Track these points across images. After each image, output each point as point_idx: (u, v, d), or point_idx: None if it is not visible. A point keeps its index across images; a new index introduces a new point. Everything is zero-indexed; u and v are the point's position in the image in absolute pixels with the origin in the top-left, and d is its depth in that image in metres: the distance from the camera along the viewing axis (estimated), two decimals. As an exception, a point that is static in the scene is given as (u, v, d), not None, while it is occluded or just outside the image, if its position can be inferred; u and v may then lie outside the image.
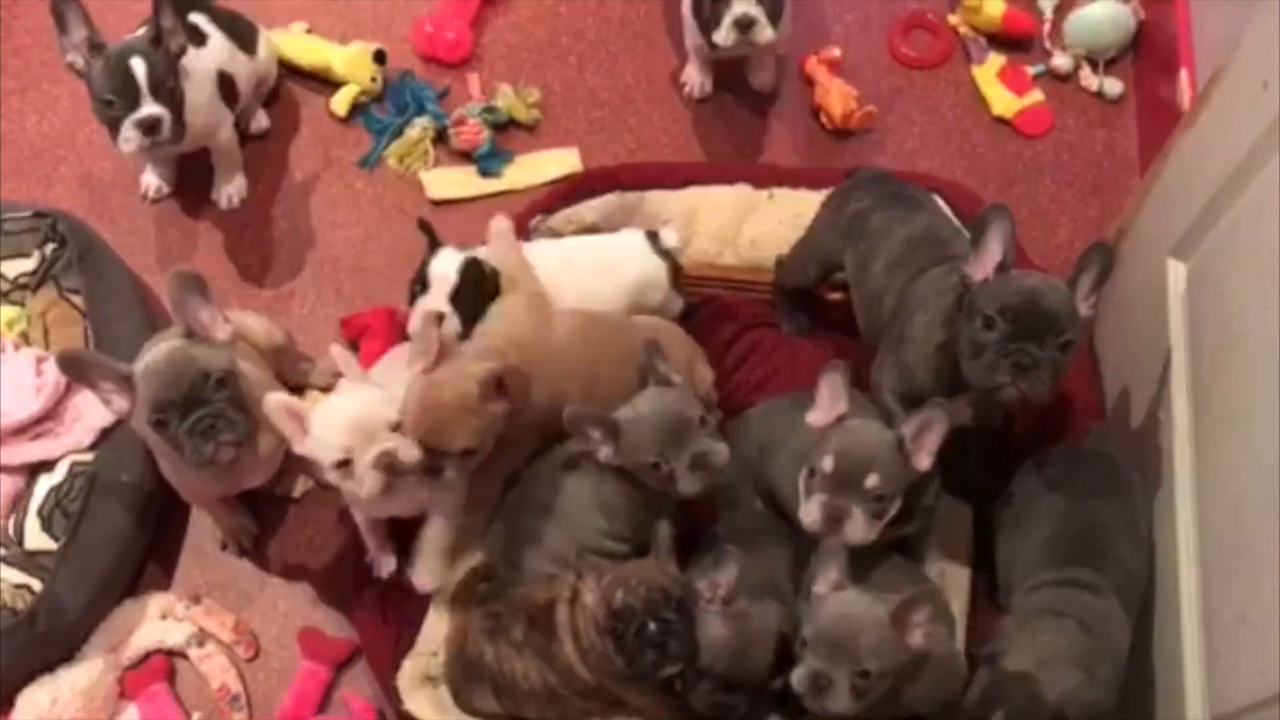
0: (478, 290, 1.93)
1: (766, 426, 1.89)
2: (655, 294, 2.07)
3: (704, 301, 2.19)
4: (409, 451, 1.67)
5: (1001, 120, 2.46)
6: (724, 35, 2.09)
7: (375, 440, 1.66)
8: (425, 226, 2.01)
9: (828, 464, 1.61)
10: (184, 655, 2.01)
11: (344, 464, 1.67)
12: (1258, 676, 1.43)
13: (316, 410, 1.71)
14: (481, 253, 1.99)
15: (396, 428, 1.68)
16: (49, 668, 1.94)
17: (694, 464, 1.69)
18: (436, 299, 1.90)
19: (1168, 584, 1.68)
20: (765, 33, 2.09)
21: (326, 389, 2.18)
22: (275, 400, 1.71)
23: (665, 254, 2.07)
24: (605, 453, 1.73)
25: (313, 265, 2.38)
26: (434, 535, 1.85)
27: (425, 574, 1.85)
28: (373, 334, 2.20)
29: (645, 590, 1.61)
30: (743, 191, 2.22)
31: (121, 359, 1.76)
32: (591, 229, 2.17)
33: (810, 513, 1.62)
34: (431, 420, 1.68)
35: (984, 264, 1.66)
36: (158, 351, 1.72)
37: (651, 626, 1.60)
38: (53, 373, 2.02)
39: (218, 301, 1.78)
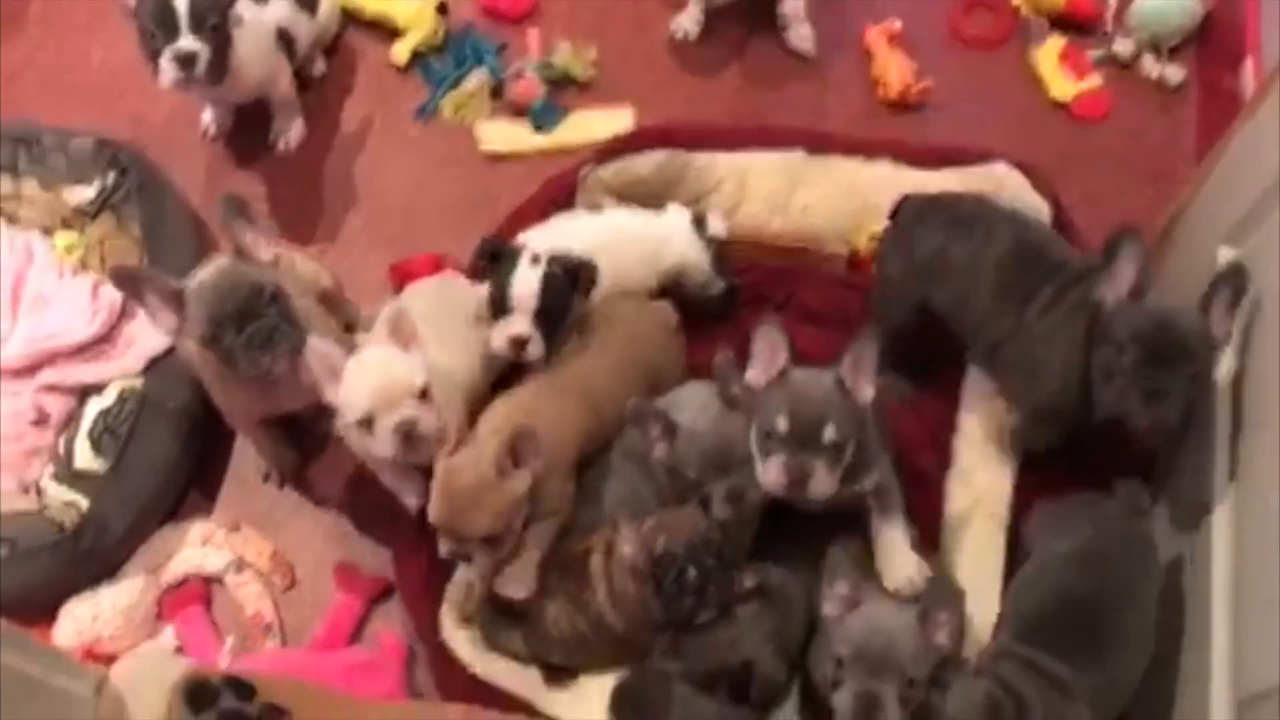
0: (564, 301, 1.87)
1: None
2: (695, 275, 2.08)
3: (744, 273, 2.18)
4: (429, 422, 1.69)
5: (1058, 104, 2.44)
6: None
7: (399, 406, 1.68)
8: (489, 247, 1.90)
9: (783, 423, 1.59)
10: (221, 581, 2.06)
11: (365, 423, 1.69)
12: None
13: (350, 363, 1.72)
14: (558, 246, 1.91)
15: (423, 394, 1.70)
16: (92, 584, 1.99)
17: (730, 495, 1.69)
18: (520, 323, 1.83)
19: (1201, 567, 1.68)
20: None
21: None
22: (314, 345, 1.73)
23: (710, 240, 2.08)
24: (660, 449, 1.73)
25: (365, 211, 2.41)
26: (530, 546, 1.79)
27: (516, 585, 1.76)
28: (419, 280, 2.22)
29: (687, 536, 1.63)
30: (796, 157, 2.21)
31: None
32: (641, 184, 2.17)
33: (772, 473, 1.60)
34: (451, 508, 1.67)
35: (1117, 288, 1.66)
36: (208, 269, 1.77)
37: (692, 572, 1.62)
38: (108, 298, 2.08)
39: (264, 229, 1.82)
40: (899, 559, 1.71)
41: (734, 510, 1.70)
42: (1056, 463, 1.92)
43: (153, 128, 2.48)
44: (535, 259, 1.85)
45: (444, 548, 1.69)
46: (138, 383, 2.06)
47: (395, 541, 1.97)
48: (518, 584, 1.75)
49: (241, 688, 1.02)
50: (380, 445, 1.69)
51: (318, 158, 2.47)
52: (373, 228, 2.39)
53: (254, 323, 1.73)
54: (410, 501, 1.91)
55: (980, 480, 1.95)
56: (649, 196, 2.17)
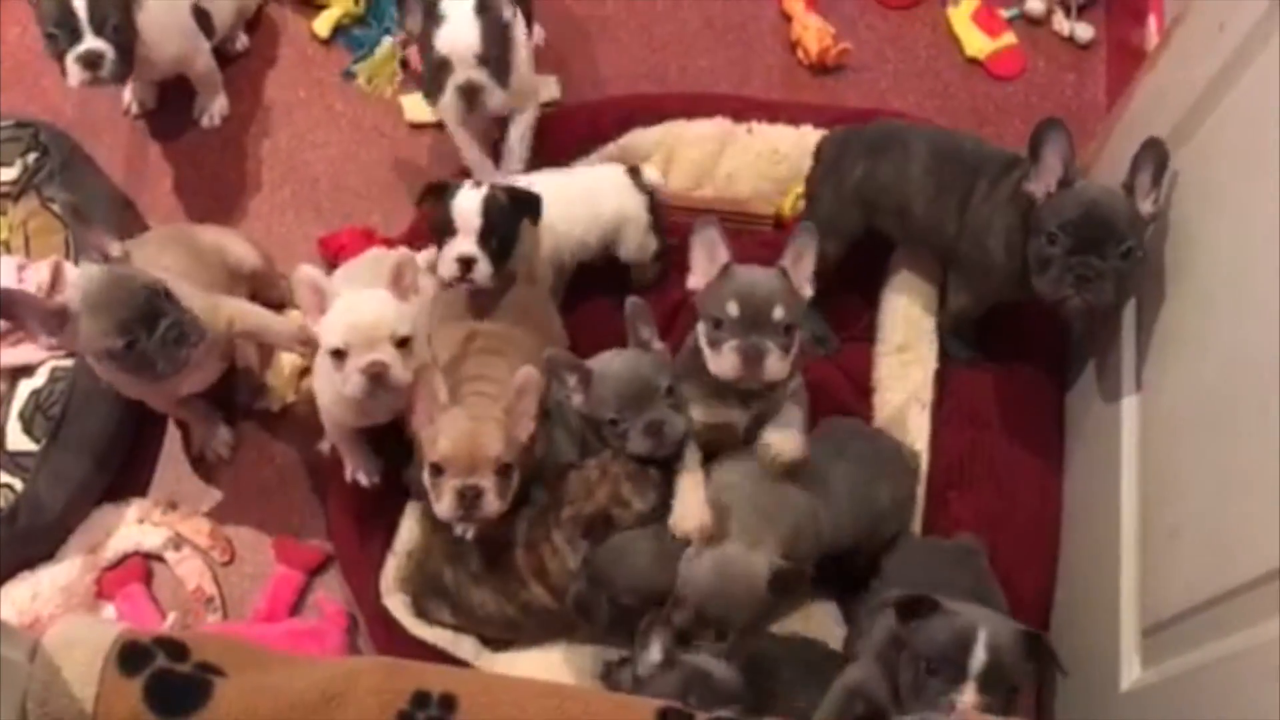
0: (507, 225, 1.90)
1: None
2: (633, 231, 2.10)
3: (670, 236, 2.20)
4: (400, 372, 1.68)
5: (974, 61, 2.50)
6: (449, 104, 1.97)
7: (376, 347, 1.67)
8: (431, 186, 1.95)
9: (733, 308, 1.63)
10: (160, 559, 2.07)
11: (339, 354, 1.68)
12: (1185, 589, 1.51)
13: (339, 298, 1.71)
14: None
15: (403, 344, 1.69)
16: (29, 565, 2.00)
17: (648, 429, 1.72)
18: (465, 243, 1.87)
19: (1109, 502, 1.75)
20: (495, 98, 1.97)
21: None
22: (305, 271, 1.71)
23: (646, 191, 2.11)
24: (577, 399, 1.77)
25: (292, 184, 2.42)
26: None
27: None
28: (349, 253, 2.22)
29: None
30: (721, 125, 2.25)
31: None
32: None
33: (726, 360, 1.65)
34: (464, 431, 1.68)
35: (1045, 179, 1.72)
36: (90, 280, 1.72)
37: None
38: (35, 278, 2.06)
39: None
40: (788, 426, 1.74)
41: (654, 443, 1.73)
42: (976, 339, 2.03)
43: (74, 106, 2.46)
44: (477, 184, 1.89)
45: (451, 492, 1.67)
46: (69, 362, 2.05)
47: (331, 511, 1.99)
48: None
49: (174, 647, 1.05)
50: (348, 383, 1.68)
51: (243, 132, 2.46)
52: (300, 201, 2.40)
53: (161, 321, 1.70)
54: (363, 476, 1.94)
55: (914, 374, 2.03)
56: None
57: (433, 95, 1.99)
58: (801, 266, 1.69)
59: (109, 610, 2.01)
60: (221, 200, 2.40)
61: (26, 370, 2.06)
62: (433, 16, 1.93)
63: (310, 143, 2.45)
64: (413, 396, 1.73)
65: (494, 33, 1.93)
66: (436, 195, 1.91)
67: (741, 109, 2.29)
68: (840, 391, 2.06)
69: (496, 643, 1.86)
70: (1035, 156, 1.73)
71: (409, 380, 1.71)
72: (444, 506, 1.68)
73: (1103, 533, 1.77)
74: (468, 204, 1.86)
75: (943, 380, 2.03)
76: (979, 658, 1.41)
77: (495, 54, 1.94)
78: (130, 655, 1.03)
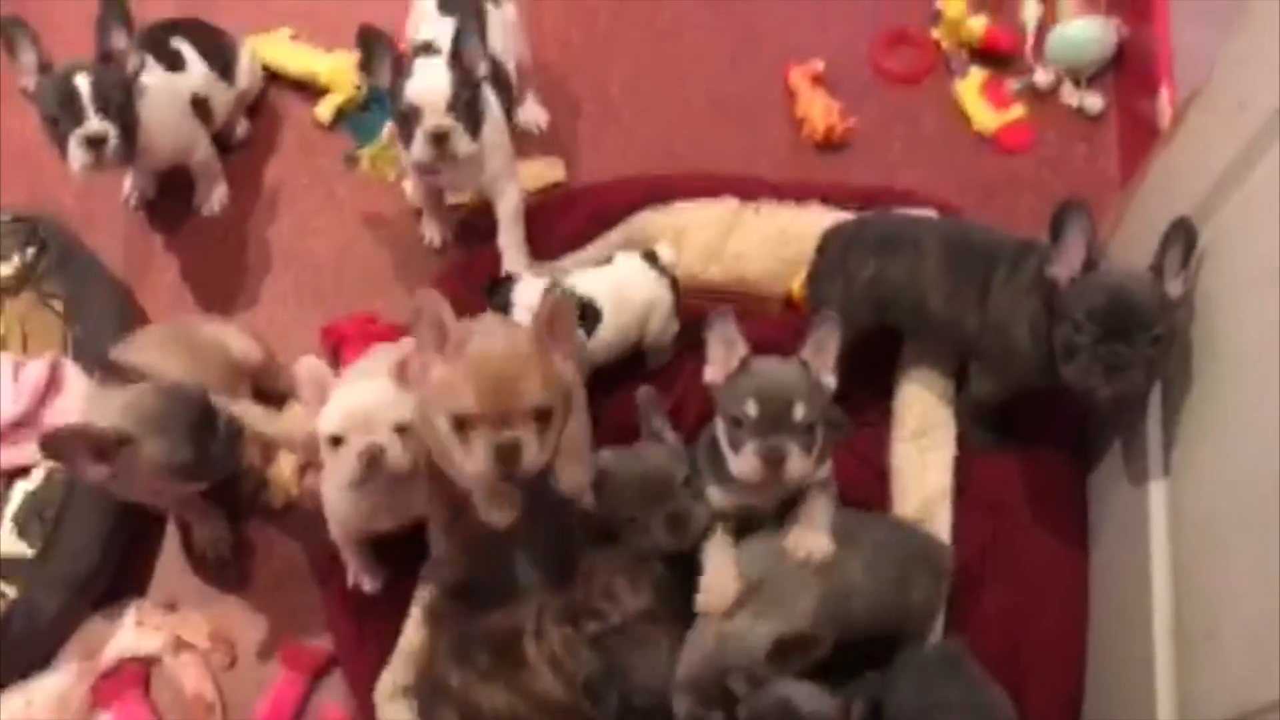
0: (472, 91, 1.94)
1: None
2: (659, 317, 2.06)
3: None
4: (399, 458, 1.64)
5: (983, 135, 2.46)
6: (419, 150, 1.94)
7: (371, 431, 1.64)
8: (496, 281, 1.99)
9: (751, 408, 1.58)
10: (159, 663, 2.00)
11: (335, 440, 1.64)
12: (1226, 696, 1.44)
13: (338, 392, 1.68)
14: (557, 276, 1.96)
15: (402, 431, 1.65)
16: (23, 673, 1.94)
17: (671, 522, 1.68)
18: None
19: (1140, 601, 1.68)
20: (464, 144, 1.94)
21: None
22: (308, 364, 1.68)
23: (664, 271, 2.07)
24: (587, 501, 1.72)
25: (294, 272, 2.38)
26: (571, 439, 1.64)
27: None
28: (352, 342, 2.20)
29: None
30: (728, 205, 2.22)
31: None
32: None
33: (746, 462, 1.59)
34: (497, 380, 1.46)
35: (1068, 263, 1.68)
36: (141, 399, 1.70)
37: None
38: (31, 378, 2.02)
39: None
40: (817, 525, 1.69)
41: (678, 536, 1.69)
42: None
43: (72, 199, 2.43)
44: (538, 274, 1.92)
45: (484, 448, 1.47)
46: (64, 463, 2.00)
47: (336, 618, 1.93)
48: (571, 478, 1.66)
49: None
50: (343, 467, 1.63)
51: (243, 220, 2.44)
52: (302, 288, 2.36)
53: (219, 421, 1.73)
54: (366, 584, 1.89)
55: (932, 461, 1.97)
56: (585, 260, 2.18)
57: (404, 142, 1.97)
58: (823, 357, 1.64)
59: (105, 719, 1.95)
60: (223, 289, 2.37)
61: (23, 472, 2.01)
62: (401, 71, 1.93)
63: (312, 230, 2.42)
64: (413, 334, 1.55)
65: (465, 84, 1.93)
66: (500, 288, 1.91)
67: (749, 189, 2.25)
68: (857, 479, 1.99)
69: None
70: (1056, 239, 1.69)
71: (407, 467, 1.65)
72: (476, 463, 1.48)
73: (1134, 629, 1.69)
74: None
75: (962, 467, 1.97)
76: None
77: (466, 102, 1.93)
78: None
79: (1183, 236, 1.64)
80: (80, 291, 2.16)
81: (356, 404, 1.65)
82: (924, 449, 1.98)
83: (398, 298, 2.29)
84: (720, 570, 1.67)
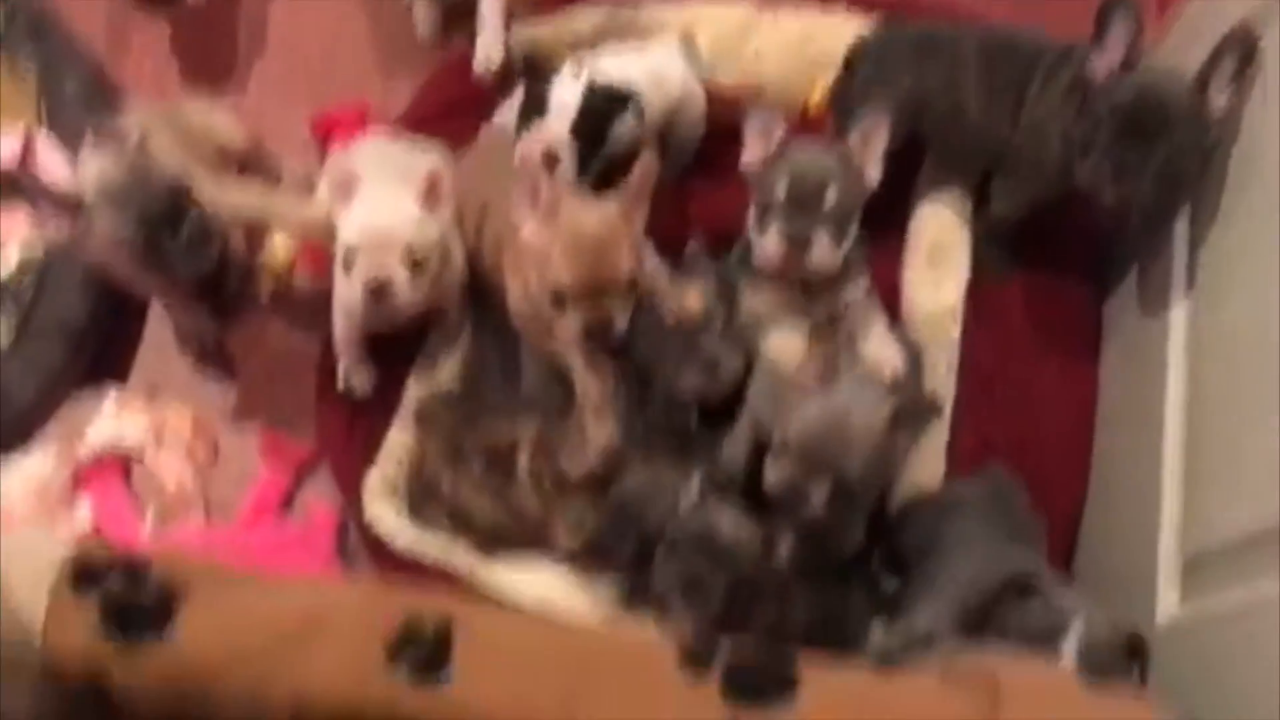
0: (603, 123, 1.74)
1: None
2: (692, 110, 1.94)
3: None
4: (405, 291, 1.59)
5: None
6: None
7: (384, 259, 1.58)
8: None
9: (781, 190, 1.53)
10: (139, 454, 1.96)
11: (347, 256, 1.59)
12: (1237, 519, 1.39)
13: (364, 194, 1.60)
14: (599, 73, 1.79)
15: (416, 262, 1.59)
16: (1, 456, 1.89)
17: (705, 365, 1.62)
18: (557, 131, 1.71)
19: (1151, 422, 1.63)
20: None
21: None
22: (340, 160, 1.62)
23: (699, 65, 1.95)
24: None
25: (282, 59, 2.26)
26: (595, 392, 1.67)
27: (599, 437, 1.66)
28: (343, 133, 2.09)
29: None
30: (745, 8, 2.09)
31: (76, 136, 1.66)
32: (580, 41, 2.00)
33: (770, 244, 1.55)
34: (593, 255, 1.52)
35: (1109, 59, 1.58)
36: (107, 173, 1.62)
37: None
38: (5, 149, 1.94)
39: (180, 95, 1.69)
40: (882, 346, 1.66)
41: (708, 381, 1.63)
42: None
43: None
44: (577, 74, 1.73)
45: (579, 321, 1.53)
46: (40, 244, 1.92)
47: (321, 412, 1.87)
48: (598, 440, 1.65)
49: (133, 567, 0.94)
50: (349, 289, 1.59)
51: (229, 2, 2.29)
52: (292, 77, 2.24)
53: (184, 222, 1.62)
54: (356, 385, 1.82)
55: (946, 284, 1.89)
56: (591, 50, 2.03)
57: None
58: (870, 148, 1.57)
59: (84, 505, 1.91)
60: (208, 75, 2.25)
61: (-4, 248, 1.94)
62: None
63: (303, 14, 2.29)
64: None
65: None
66: (534, 89, 1.78)
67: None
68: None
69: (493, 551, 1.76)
70: (1100, 34, 1.59)
71: (415, 301, 1.61)
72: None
73: (1143, 454, 1.65)
74: (565, 94, 1.72)
75: (975, 290, 1.90)
76: (1068, 651, 1.30)
77: None
78: (83, 573, 0.93)
79: (1239, 46, 1.53)
80: (54, 64, 2.05)
81: (378, 223, 1.59)
82: (936, 268, 1.90)
83: (392, 89, 2.18)
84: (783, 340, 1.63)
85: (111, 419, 1.96)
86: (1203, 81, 1.55)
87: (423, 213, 1.61)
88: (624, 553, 1.60)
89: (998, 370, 1.86)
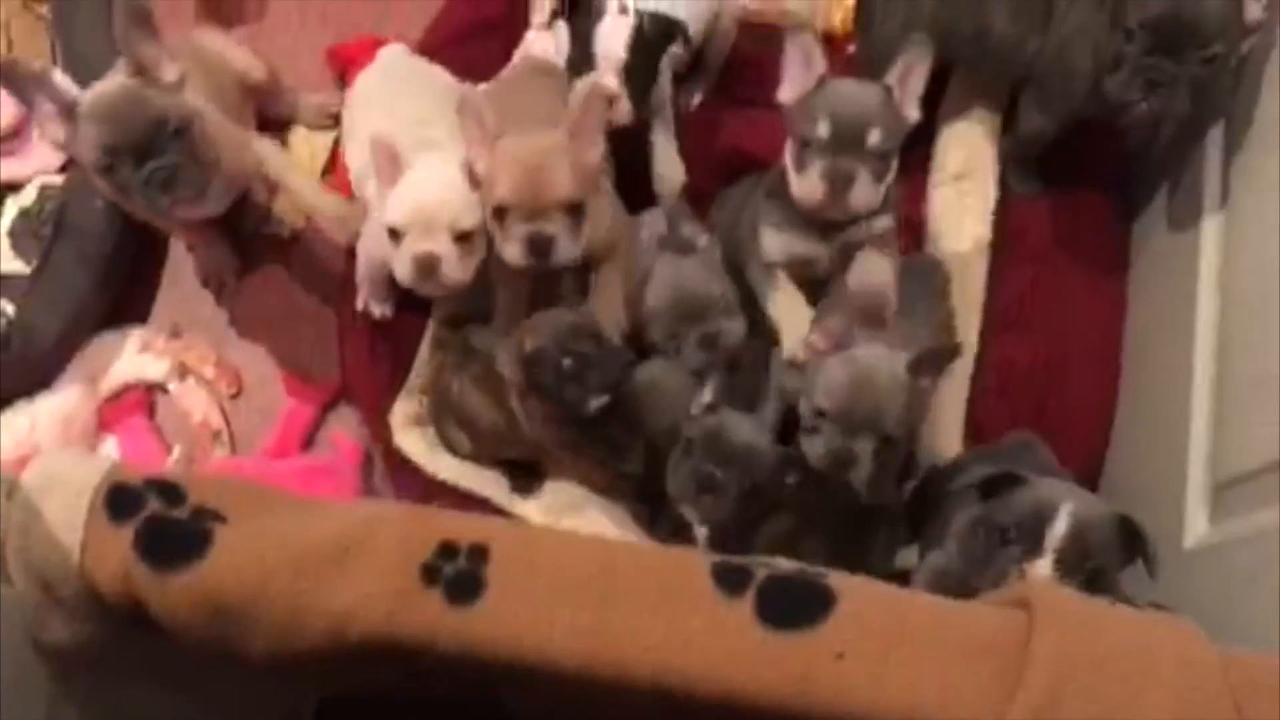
0: (654, 57, 1.72)
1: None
2: (726, 23, 1.93)
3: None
4: (455, 269, 1.56)
5: None
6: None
7: (434, 236, 1.55)
8: None
9: (823, 128, 1.50)
10: (164, 389, 1.97)
11: (394, 234, 1.57)
12: (1267, 441, 1.39)
13: (415, 169, 1.58)
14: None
15: (465, 237, 1.56)
16: (26, 394, 1.89)
17: (703, 343, 1.60)
18: (608, 79, 1.67)
19: (1180, 349, 1.62)
20: None
21: (315, 127, 2.08)
22: (382, 139, 1.57)
23: None
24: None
25: (295, -8, 2.22)
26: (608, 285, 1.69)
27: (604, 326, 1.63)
28: (360, 66, 2.05)
29: (553, 330, 1.54)
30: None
31: (89, 78, 1.62)
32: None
33: (810, 183, 1.51)
34: (527, 170, 1.51)
35: None
36: (107, 88, 1.57)
37: (566, 362, 1.52)
38: (19, 88, 1.90)
39: (190, 29, 1.65)
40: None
41: (709, 355, 1.61)
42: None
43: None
44: (624, 8, 1.69)
45: (518, 238, 1.52)
46: (59, 179, 1.91)
47: (345, 343, 1.86)
48: (609, 323, 1.64)
49: (169, 489, 0.94)
50: (398, 266, 1.57)
51: (241, -69, 2.26)
52: (305, 8, 2.20)
53: (154, 159, 1.55)
54: (376, 309, 1.81)
55: (973, 205, 1.88)
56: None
57: None
58: (910, 85, 1.53)
59: (110, 443, 1.91)
60: (219, 9, 2.20)
61: (13, 187, 1.92)
62: None
63: (315, -55, 2.24)
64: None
65: None
66: (578, 37, 1.75)
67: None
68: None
69: (525, 480, 1.76)
70: None
71: (463, 279, 1.58)
72: (511, 253, 1.53)
73: (1172, 374, 1.64)
74: (612, 36, 1.67)
75: (1002, 213, 1.87)
76: (1059, 529, 1.28)
77: None
78: (120, 498, 0.92)
79: None
80: (67, 3, 2.01)
81: (425, 199, 1.56)
82: (964, 193, 1.88)
83: (411, 17, 2.13)
84: (795, 315, 1.61)
85: (135, 356, 1.96)
86: None
87: (469, 188, 1.57)
88: (636, 455, 1.61)
89: (1026, 292, 1.83)
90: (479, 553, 0.91)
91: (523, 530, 0.97)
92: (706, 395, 1.56)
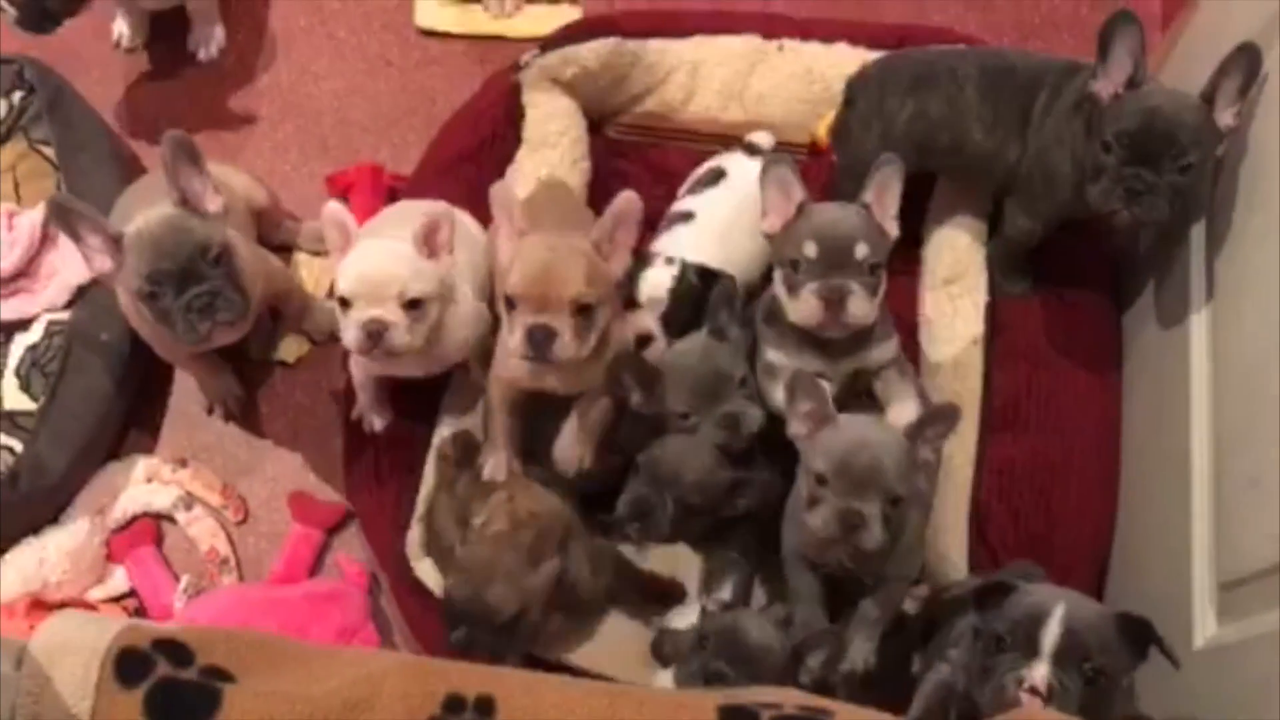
0: (694, 309, 1.77)
1: None
2: None
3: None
4: (402, 335, 1.58)
5: (1019, -34, 2.33)
6: None
7: (380, 303, 1.57)
8: None
9: (810, 248, 1.53)
10: (171, 519, 1.97)
11: (343, 303, 1.58)
12: (1268, 541, 1.39)
13: (364, 241, 1.61)
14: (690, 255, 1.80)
15: (414, 304, 1.58)
16: (34, 529, 1.90)
17: (724, 422, 1.63)
18: (647, 319, 1.76)
19: (1177, 447, 1.63)
20: None
21: (314, 253, 2.12)
22: (334, 209, 1.61)
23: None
24: (635, 399, 1.67)
25: (295, 119, 2.28)
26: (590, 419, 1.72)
27: (568, 455, 1.71)
28: (359, 191, 2.12)
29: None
30: (751, 42, 2.09)
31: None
32: (588, 77, 2.03)
33: (805, 303, 1.54)
34: (543, 265, 1.51)
35: (1113, 79, 1.59)
36: (151, 218, 1.63)
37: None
38: (25, 228, 1.95)
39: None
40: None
41: (729, 435, 1.64)
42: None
43: (61, 41, 2.30)
44: (670, 260, 1.78)
45: (521, 329, 1.51)
46: (65, 315, 1.94)
47: (351, 468, 1.88)
48: (570, 452, 1.68)
49: (177, 650, 0.94)
50: (347, 333, 1.58)
51: (241, 65, 2.33)
52: (305, 137, 2.27)
53: (195, 285, 1.62)
54: (375, 421, 1.82)
55: (964, 308, 1.91)
56: (597, 91, 2.07)
57: None
58: (886, 202, 1.57)
59: (118, 574, 1.92)
60: (221, 138, 2.27)
61: (21, 325, 1.95)
62: None
63: (313, 74, 2.32)
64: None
65: None
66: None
67: (772, 25, 2.12)
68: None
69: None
70: (1104, 53, 1.59)
71: (413, 346, 1.60)
72: (514, 343, 1.54)
73: (1171, 476, 1.65)
74: (656, 286, 1.76)
75: (993, 314, 1.90)
76: (1053, 631, 1.29)
77: None
78: (129, 662, 0.93)
79: (1245, 63, 1.54)
80: (71, 138, 2.06)
81: (371, 268, 1.58)
82: (955, 296, 1.91)
83: (405, 146, 2.20)
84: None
85: (141, 486, 1.98)
86: (1209, 98, 1.55)
87: (421, 259, 1.60)
88: (663, 517, 1.63)
89: (1022, 392, 1.85)
90: (485, 704, 0.92)
91: (527, 678, 0.98)
92: (725, 593, 1.61)
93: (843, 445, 1.45)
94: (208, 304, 1.63)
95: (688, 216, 1.87)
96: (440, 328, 1.65)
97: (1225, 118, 1.56)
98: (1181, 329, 1.69)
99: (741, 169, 1.90)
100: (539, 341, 1.51)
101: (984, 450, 1.81)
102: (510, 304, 1.54)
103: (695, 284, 1.76)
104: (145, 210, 1.66)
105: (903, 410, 1.63)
